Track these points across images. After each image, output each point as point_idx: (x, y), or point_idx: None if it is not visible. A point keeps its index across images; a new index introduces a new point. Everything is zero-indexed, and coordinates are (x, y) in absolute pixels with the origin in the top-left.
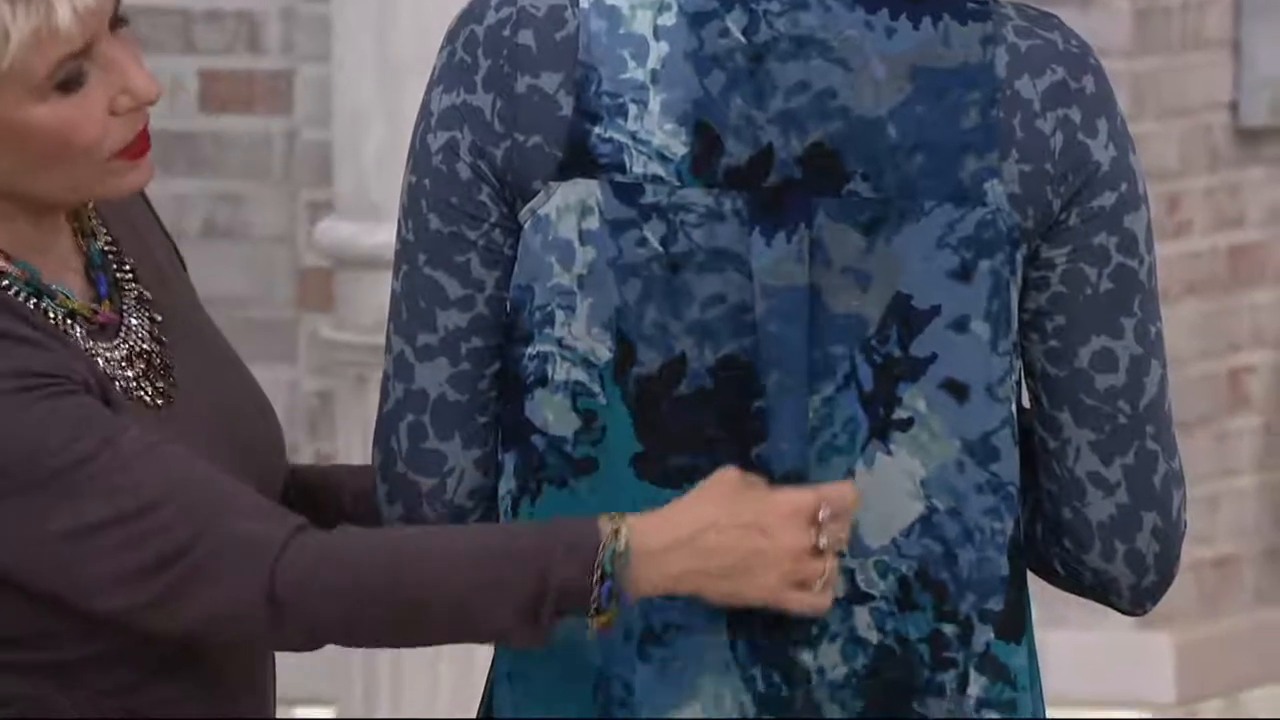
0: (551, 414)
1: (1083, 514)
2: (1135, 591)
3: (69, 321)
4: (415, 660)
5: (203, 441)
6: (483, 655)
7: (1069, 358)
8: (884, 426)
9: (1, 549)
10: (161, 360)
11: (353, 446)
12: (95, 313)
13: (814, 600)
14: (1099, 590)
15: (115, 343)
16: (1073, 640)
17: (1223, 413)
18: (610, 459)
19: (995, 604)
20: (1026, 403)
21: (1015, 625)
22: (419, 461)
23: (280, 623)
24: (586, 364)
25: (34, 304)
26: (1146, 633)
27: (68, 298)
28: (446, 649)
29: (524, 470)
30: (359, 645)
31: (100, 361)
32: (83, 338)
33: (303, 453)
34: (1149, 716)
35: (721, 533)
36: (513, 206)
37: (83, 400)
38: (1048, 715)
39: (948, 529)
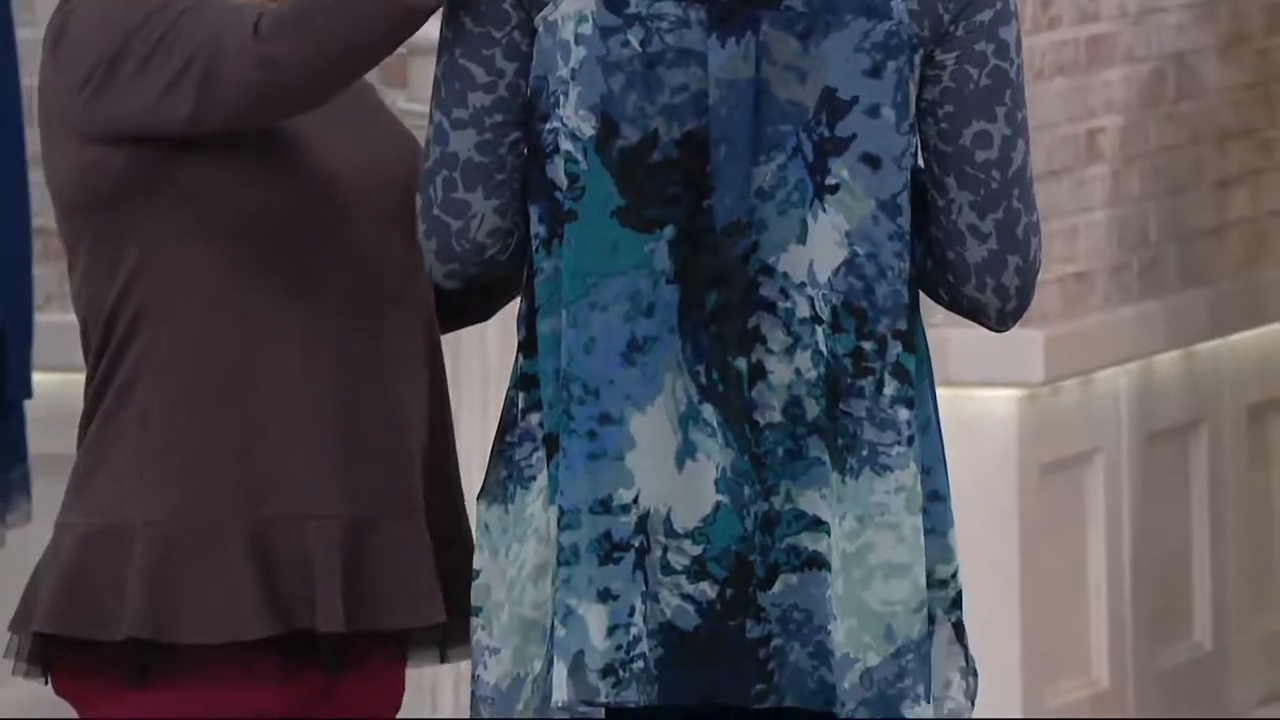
0: (561, 174)
1: (962, 256)
2: (1000, 314)
3: None
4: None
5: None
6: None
7: (955, 137)
8: (821, 190)
9: (120, 117)
10: None
11: None
12: None
13: None
14: (972, 313)
15: None
16: (967, 335)
17: (1081, 164)
18: (591, 211)
19: (901, 324)
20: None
21: (912, 340)
22: (450, 207)
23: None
24: (573, 137)
25: None
26: (1023, 330)
27: None
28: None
29: (549, 219)
30: (325, 58)
31: None
32: None
33: None
34: (1023, 392)
35: None
36: (529, 13)
37: None
38: (947, 395)
39: (866, 269)
